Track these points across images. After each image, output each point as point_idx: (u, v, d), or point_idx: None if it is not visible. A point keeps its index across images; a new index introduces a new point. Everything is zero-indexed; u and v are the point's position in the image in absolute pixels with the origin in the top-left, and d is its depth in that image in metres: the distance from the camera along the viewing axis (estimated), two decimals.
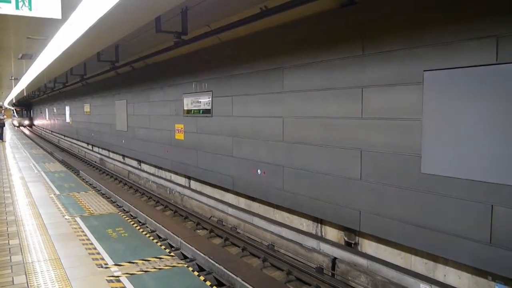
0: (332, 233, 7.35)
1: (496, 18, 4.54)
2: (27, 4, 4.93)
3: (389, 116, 5.80)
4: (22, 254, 5.18)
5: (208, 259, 7.11)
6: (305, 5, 6.54)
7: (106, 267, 4.80)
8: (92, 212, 7.30)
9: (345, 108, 6.51)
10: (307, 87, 7.21)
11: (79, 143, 27.08)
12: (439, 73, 5.11)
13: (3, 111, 35.87)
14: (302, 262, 7.29)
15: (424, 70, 5.27)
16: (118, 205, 12.02)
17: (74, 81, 21.97)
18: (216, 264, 6.86)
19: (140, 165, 16.59)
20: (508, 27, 4.41)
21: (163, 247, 5.66)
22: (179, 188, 12.65)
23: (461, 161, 4.93)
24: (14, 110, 59.72)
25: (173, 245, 8.43)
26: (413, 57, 5.42)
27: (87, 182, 15.55)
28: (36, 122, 54.17)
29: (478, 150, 4.76)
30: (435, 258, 5.67)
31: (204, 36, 9.15)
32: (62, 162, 20.53)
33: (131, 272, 4.66)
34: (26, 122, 57.37)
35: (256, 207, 9.31)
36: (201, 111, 10.83)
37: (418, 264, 5.91)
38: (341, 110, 6.59)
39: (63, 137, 33.29)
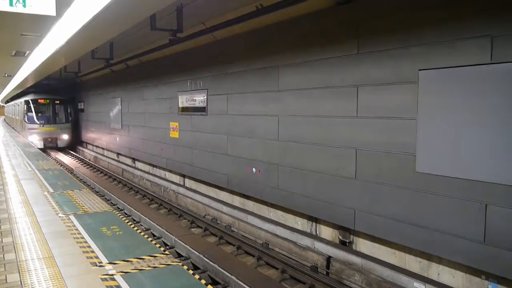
0: (326, 232, 7.36)
1: (490, 17, 4.56)
2: (21, 1, 4.89)
3: (384, 115, 5.82)
4: (15, 252, 5.13)
5: (203, 257, 7.10)
6: (301, 3, 6.54)
7: (101, 266, 4.77)
8: (86, 210, 7.26)
9: (340, 107, 6.52)
10: (303, 86, 7.21)
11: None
12: (434, 72, 5.13)
13: None
14: (296, 261, 7.30)
15: (419, 69, 5.29)
16: (112, 203, 11.98)
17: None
18: (211, 263, 6.86)
19: (134, 163, 16.53)
20: (503, 27, 4.44)
21: (157, 245, 5.63)
22: (173, 186, 12.62)
23: (456, 160, 4.95)
24: (31, 104, 23.89)
25: (168, 243, 8.41)
26: (408, 56, 5.44)
27: (81, 180, 15.47)
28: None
29: (472, 150, 4.79)
30: (429, 257, 5.70)
31: (199, 34, 9.13)
32: (56, 160, 20.43)
33: (125, 271, 4.63)
34: (65, 136, 23.97)
35: (250, 205, 9.30)
36: (196, 109, 10.80)
37: (412, 262, 5.93)
38: (336, 109, 6.60)
39: None
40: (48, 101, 24.10)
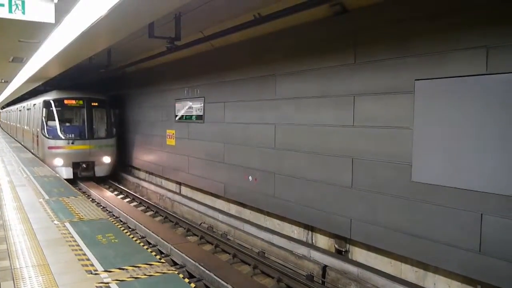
0: (323, 241, 7.35)
1: (486, 29, 4.62)
2: (20, 8, 4.91)
3: (380, 125, 5.85)
4: (9, 260, 5.09)
5: (199, 265, 7.07)
6: (298, 13, 6.59)
7: (96, 274, 4.74)
8: (81, 217, 7.22)
9: (337, 116, 6.55)
10: (300, 95, 7.25)
11: None
12: (430, 83, 5.17)
13: None
14: (292, 270, 7.28)
15: (415, 79, 5.33)
16: (108, 211, 11.92)
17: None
18: (207, 271, 6.83)
19: (130, 170, 16.47)
20: (498, 38, 4.49)
21: (153, 253, 5.60)
22: (169, 194, 12.58)
23: (451, 170, 4.98)
24: (53, 106, 14.80)
25: (163, 251, 8.37)
26: (405, 66, 5.48)
27: (76, 187, 15.40)
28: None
29: (468, 159, 4.81)
30: (425, 267, 5.70)
31: (197, 42, 9.17)
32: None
33: (121, 279, 4.60)
34: (106, 159, 15.13)
35: (247, 213, 9.29)
36: (193, 117, 10.82)
37: (408, 272, 5.93)
38: (333, 118, 6.63)
39: None
40: (81, 102, 15.22)
